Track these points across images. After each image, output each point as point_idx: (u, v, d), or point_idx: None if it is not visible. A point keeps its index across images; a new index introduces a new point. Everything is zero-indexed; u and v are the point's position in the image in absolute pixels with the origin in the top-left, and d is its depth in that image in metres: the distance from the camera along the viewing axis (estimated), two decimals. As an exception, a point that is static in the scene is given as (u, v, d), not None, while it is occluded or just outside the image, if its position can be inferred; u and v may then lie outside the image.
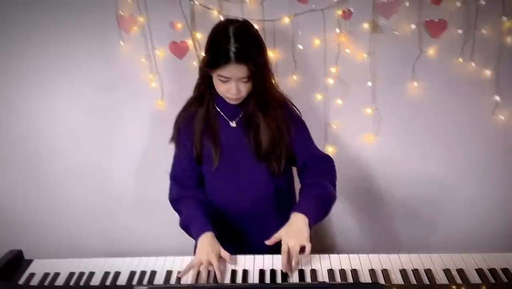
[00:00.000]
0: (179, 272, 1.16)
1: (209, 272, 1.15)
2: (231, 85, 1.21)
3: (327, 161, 1.40)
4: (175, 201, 1.40)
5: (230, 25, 1.19)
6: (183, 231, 1.33)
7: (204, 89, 1.30)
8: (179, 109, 1.38)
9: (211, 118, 1.33)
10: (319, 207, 1.26)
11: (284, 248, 1.14)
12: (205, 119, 1.32)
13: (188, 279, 1.15)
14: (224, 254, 1.19)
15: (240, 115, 1.33)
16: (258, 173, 1.35)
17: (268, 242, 1.18)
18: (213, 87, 1.27)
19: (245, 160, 1.34)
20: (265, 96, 1.28)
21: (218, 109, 1.33)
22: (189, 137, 1.35)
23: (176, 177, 1.41)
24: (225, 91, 1.24)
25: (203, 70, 1.26)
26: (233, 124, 1.34)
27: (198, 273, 1.15)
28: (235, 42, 1.16)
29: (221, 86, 1.23)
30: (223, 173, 1.34)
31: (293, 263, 1.14)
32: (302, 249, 1.14)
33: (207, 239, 1.22)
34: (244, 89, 1.23)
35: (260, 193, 1.37)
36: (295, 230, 1.17)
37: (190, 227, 1.30)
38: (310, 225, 1.20)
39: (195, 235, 1.26)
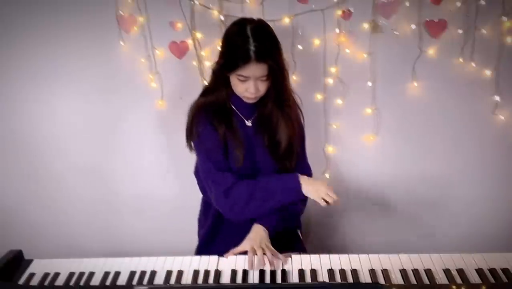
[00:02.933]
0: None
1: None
2: (250, 84, 1.22)
3: (306, 174, 1.41)
4: (229, 189, 1.27)
5: (247, 25, 1.20)
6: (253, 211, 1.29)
7: (221, 89, 1.30)
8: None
9: (230, 118, 1.32)
10: (280, 221, 1.31)
11: (250, 249, 1.18)
12: (225, 118, 1.31)
13: (188, 279, 1.15)
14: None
15: (256, 115, 1.34)
16: (271, 171, 1.36)
17: (226, 255, 1.21)
18: (229, 86, 1.27)
19: (262, 159, 1.34)
20: (283, 94, 1.30)
21: (234, 108, 1.34)
22: (214, 128, 1.29)
23: (218, 167, 1.29)
24: (244, 90, 1.25)
25: (220, 73, 1.25)
26: (248, 123, 1.34)
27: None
28: (254, 41, 1.17)
29: (240, 86, 1.24)
30: (241, 172, 1.33)
31: (260, 260, 1.16)
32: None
33: (307, 178, 1.28)
34: (262, 87, 1.25)
35: None
36: (257, 238, 1.23)
37: (283, 186, 1.28)
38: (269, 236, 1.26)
39: (294, 183, 1.26)
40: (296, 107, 1.37)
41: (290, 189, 1.27)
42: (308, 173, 1.44)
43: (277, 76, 1.24)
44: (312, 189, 1.26)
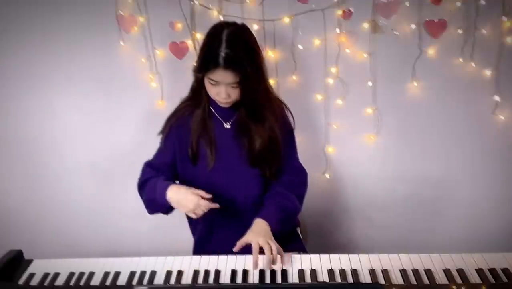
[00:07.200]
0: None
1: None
2: (221, 89, 1.21)
3: (301, 174, 1.42)
4: (143, 183, 1.37)
5: (225, 29, 1.19)
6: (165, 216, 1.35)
7: (200, 90, 1.30)
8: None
9: (206, 119, 1.33)
10: (280, 219, 1.29)
11: (255, 246, 1.15)
12: (202, 120, 1.32)
13: (188, 279, 1.15)
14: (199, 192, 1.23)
15: (234, 117, 1.33)
16: (250, 175, 1.35)
17: (235, 249, 1.19)
18: None
19: (238, 161, 1.34)
20: (254, 105, 1.28)
21: (213, 110, 1.34)
22: (181, 138, 1.35)
23: (152, 164, 1.40)
24: (215, 94, 1.24)
25: (196, 73, 1.25)
26: (227, 125, 1.34)
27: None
28: (226, 48, 1.15)
29: (211, 89, 1.24)
30: (216, 173, 1.34)
31: (268, 259, 1.14)
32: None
33: (176, 187, 1.25)
34: (233, 94, 1.23)
35: (250, 194, 1.37)
36: (262, 233, 1.20)
37: (156, 194, 1.28)
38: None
39: (161, 194, 1.25)
40: (272, 118, 1.32)
41: (161, 193, 1.27)
42: (298, 175, 1.42)
43: (246, 86, 1.21)
44: (176, 199, 1.24)
